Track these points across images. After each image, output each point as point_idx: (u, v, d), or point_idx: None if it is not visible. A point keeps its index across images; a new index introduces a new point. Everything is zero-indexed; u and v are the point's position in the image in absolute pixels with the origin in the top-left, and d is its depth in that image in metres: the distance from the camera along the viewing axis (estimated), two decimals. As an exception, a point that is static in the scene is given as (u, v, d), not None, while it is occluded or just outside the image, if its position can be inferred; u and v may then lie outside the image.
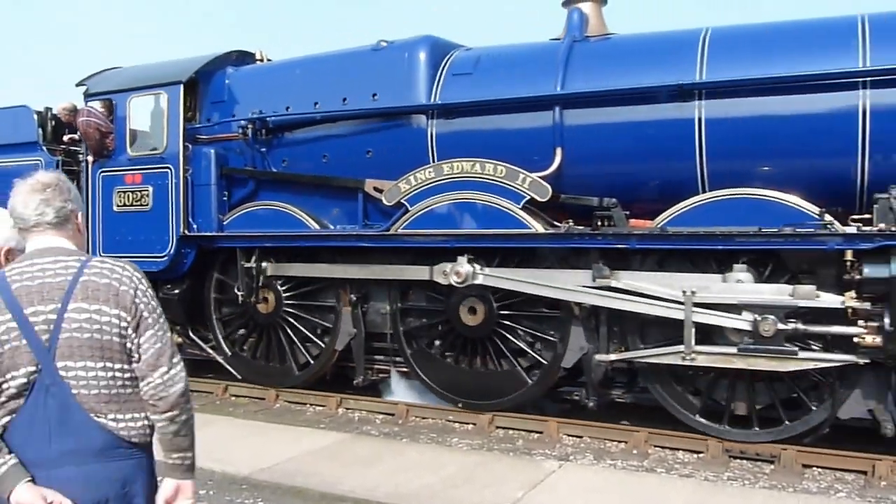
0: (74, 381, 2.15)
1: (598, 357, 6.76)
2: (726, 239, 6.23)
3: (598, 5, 7.81)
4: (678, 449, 6.61)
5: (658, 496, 5.32)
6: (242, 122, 8.36)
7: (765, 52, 6.60)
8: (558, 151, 7.03)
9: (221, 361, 8.93)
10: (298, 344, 8.40)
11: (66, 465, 2.15)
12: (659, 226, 6.61)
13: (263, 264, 8.28)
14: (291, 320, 8.37)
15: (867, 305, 5.81)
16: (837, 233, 5.94)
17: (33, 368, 2.14)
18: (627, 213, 6.90)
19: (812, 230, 6.02)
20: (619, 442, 6.79)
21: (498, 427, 7.23)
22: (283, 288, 8.36)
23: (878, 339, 5.71)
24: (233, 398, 8.58)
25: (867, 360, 5.89)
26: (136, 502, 2.25)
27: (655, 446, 6.67)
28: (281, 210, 8.13)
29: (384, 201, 7.59)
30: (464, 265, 7.11)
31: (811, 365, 6.08)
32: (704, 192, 6.64)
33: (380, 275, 7.71)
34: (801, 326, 6.07)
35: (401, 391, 8.09)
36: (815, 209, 6.11)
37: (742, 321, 6.19)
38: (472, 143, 7.35)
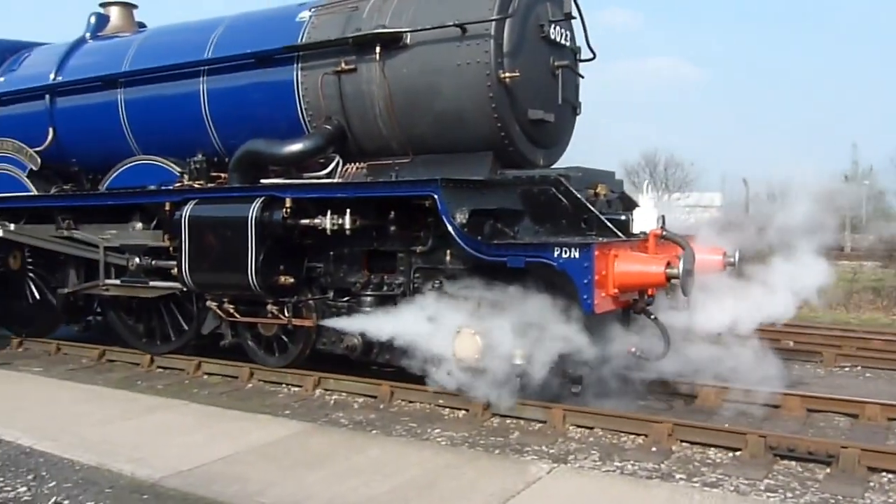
0: None
1: (59, 290, 8.79)
2: (116, 196, 8.16)
3: (126, 8, 9.70)
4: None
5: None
6: None
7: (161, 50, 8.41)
8: (50, 131, 9.03)
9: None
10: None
11: None
12: (101, 187, 8.54)
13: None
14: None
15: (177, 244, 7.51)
16: (159, 190, 7.81)
17: None
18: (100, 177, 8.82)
19: (151, 188, 7.88)
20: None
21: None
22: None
23: (176, 271, 7.50)
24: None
25: (185, 289, 7.60)
26: None
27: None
28: None
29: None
30: None
31: (157, 293, 7.92)
32: (137, 159, 8.54)
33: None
34: (147, 262, 7.91)
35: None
36: (179, 169, 7.94)
37: (121, 259, 8.15)
38: (8, 126, 9.42)
